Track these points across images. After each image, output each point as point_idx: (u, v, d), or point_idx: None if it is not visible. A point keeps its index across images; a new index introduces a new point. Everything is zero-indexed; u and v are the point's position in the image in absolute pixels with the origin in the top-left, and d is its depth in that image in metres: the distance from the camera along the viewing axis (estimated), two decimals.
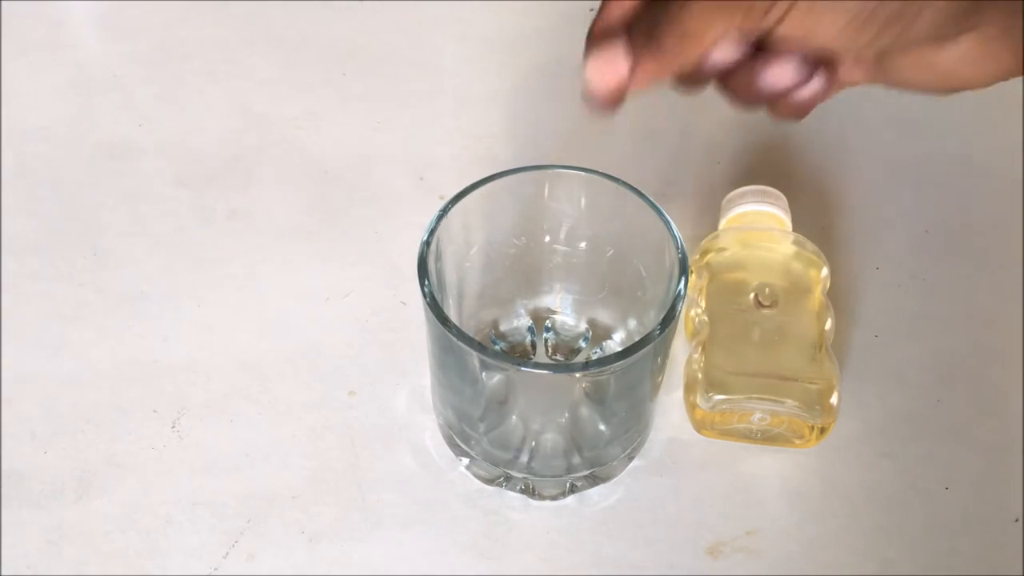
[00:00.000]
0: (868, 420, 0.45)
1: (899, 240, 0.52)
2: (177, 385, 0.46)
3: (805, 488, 0.43)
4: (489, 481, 0.42)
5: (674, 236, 0.38)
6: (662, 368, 0.40)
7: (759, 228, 0.47)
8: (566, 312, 0.45)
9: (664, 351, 0.39)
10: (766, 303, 0.44)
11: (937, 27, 0.28)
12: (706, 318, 0.44)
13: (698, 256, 0.46)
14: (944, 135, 0.58)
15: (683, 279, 0.37)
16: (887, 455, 0.44)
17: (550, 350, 0.45)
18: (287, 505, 0.42)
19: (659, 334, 0.35)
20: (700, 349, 0.43)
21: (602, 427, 0.40)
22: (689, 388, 0.43)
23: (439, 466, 0.43)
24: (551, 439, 0.40)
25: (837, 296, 0.47)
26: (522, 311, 0.45)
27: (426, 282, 0.37)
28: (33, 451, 0.43)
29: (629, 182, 0.40)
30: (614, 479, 0.42)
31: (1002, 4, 0.28)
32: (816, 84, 0.32)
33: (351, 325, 0.48)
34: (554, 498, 0.42)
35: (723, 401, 0.42)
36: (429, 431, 0.44)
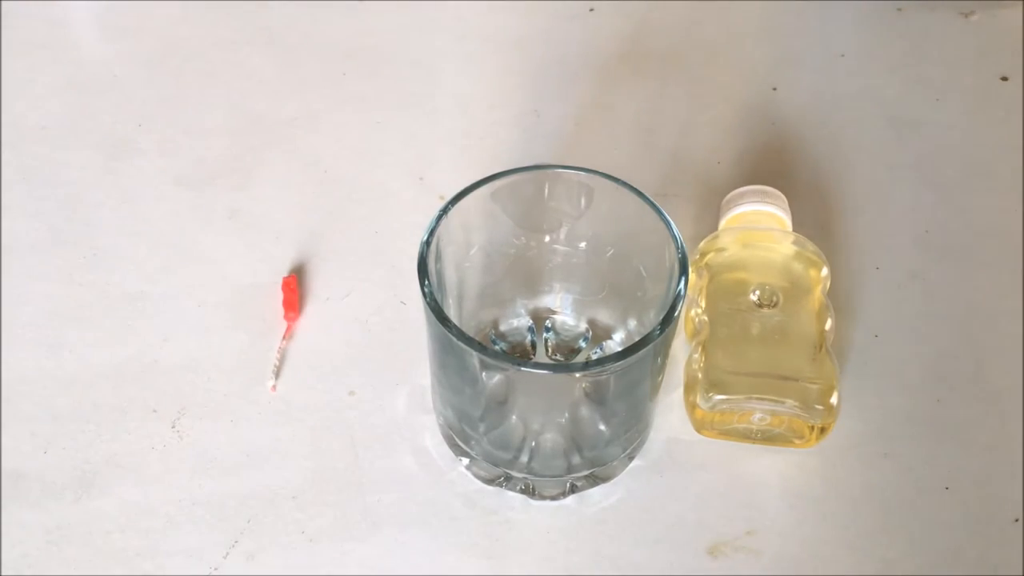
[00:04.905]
0: (868, 420, 0.45)
1: (899, 240, 0.52)
2: (177, 385, 0.46)
3: (805, 488, 0.43)
4: (489, 481, 0.42)
5: (674, 236, 0.38)
6: (662, 368, 0.40)
7: (759, 228, 0.47)
8: (566, 312, 0.45)
9: (664, 351, 0.39)
10: (766, 303, 0.44)
11: None
12: (706, 318, 0.44)
13: (698, 256, 0.46)
14: (944, 135, 0.58)
15: (683, 279, 0.37)
16: (887, 455, 0.44)
17: (550, 350, 0.45)
18: (287, 505, 0.42)
19: (659, 334, 0.35)
20: (700, 349, 0.43)
21: (602, 427, 0.40)
22: (689, 388, 0.43)
23: (439, 466, 0.43)
24: (551, 439, 0.40)
25: (837, 296, 0.47)
26: (522, 311, 0.45)
27: (426, 282, 0.37)
28: (33, 451, 0.43)
29: (629, 182, 0.40)
30: (614, 479, 0.42)
31: None
32: None
33: (351, 325, 0.48)
34: (554, 498, 0.42)
35: (723, 401, 0.42)
36: (429, 431, 0.44)
